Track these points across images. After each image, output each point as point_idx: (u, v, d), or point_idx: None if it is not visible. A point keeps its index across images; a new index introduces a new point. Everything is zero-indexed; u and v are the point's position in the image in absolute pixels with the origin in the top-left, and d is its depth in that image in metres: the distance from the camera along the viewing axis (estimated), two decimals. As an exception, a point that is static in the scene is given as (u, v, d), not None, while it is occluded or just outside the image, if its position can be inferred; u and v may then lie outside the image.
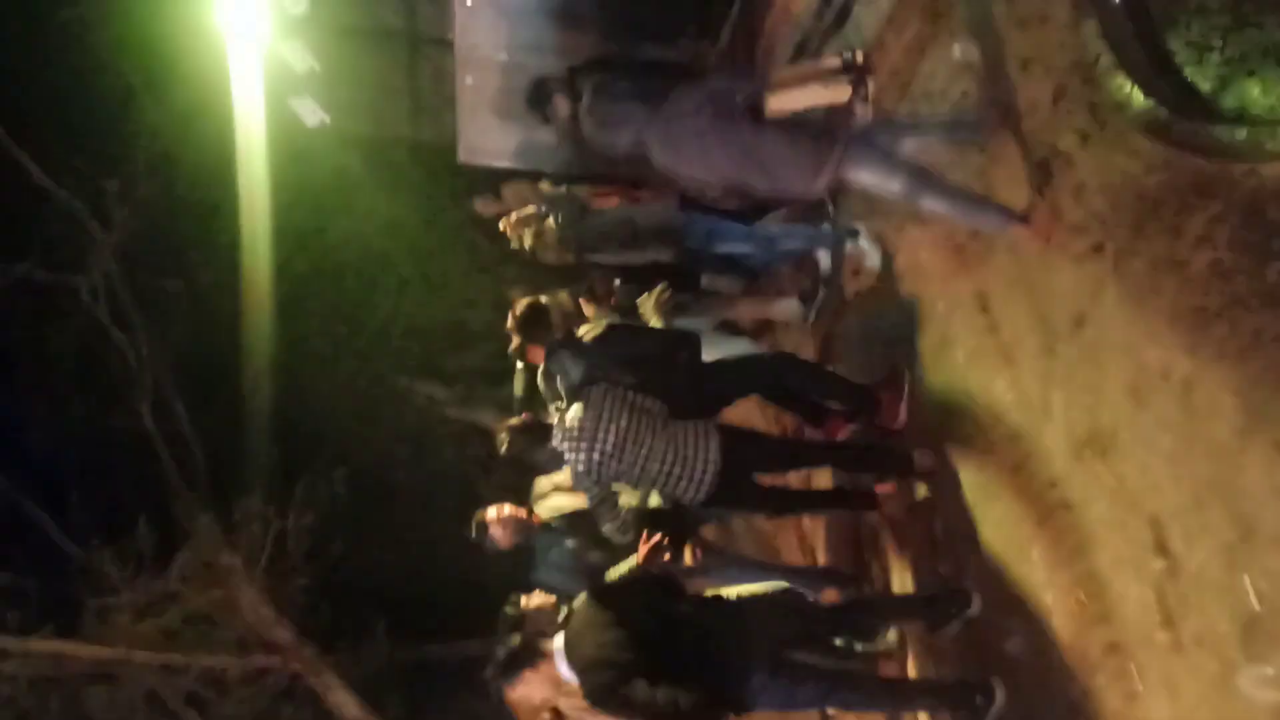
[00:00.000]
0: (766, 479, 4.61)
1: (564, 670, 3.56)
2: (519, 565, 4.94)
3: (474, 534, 4.65)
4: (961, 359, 4.09)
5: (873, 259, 4.88)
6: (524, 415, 4.80)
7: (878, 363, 4.86)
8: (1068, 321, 3.29)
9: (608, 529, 4.38)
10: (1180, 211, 2.82)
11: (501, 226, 5.76)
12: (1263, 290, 2.52)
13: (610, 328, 4.50)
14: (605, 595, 3.68)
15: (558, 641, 3.60)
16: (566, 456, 4.24)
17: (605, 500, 4.33)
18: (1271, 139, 2.52)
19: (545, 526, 4.83)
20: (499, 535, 4.59)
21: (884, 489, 4.58)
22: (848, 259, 5.16)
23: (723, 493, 4.20)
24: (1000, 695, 3.67)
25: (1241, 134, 2.60)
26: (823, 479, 5.40)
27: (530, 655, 3.61)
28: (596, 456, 4.10)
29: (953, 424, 4.22)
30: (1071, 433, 3.33)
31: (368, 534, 11.27)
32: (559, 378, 4.45)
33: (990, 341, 3.82)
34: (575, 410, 4.18)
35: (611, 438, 4.08)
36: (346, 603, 10.71)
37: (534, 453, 4.55)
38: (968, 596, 3.96)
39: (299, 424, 11.00)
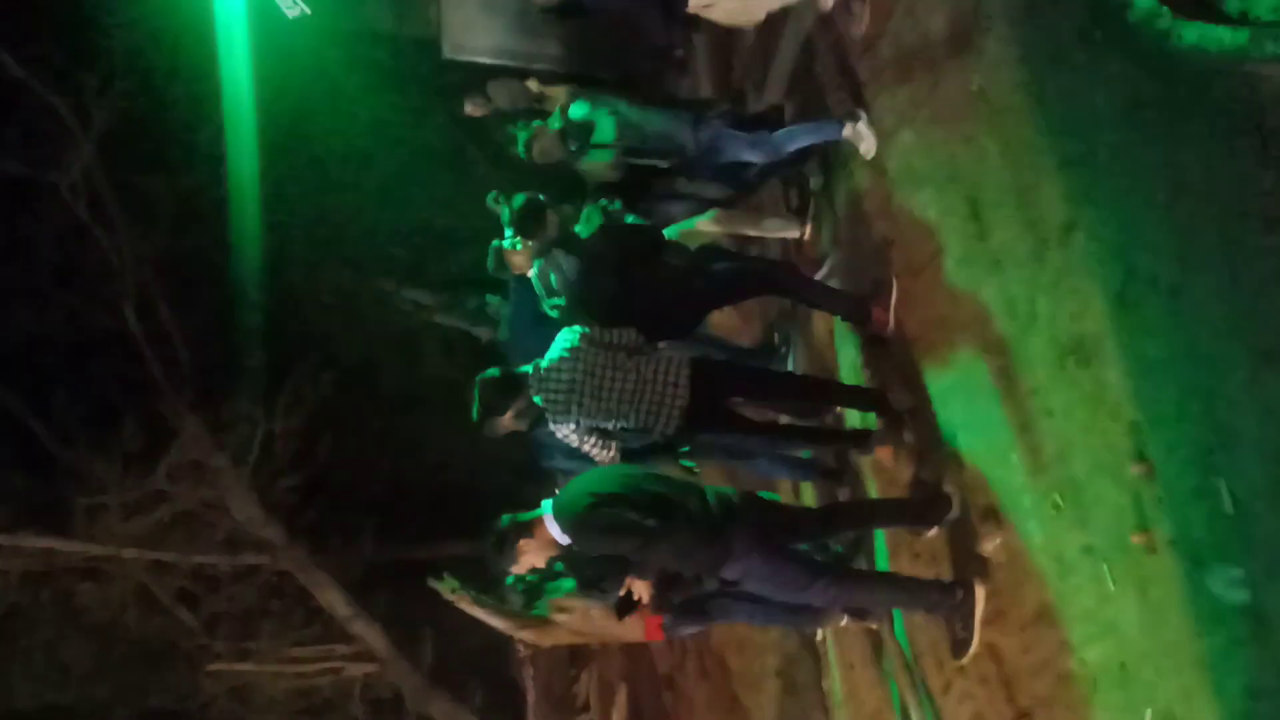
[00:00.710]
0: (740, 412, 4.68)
1: (555, 532, 3.72)
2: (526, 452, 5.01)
3: (476, 419, 4.68)
4: (951, 266, 4.07)
5: (869, 143, 4.81)
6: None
7: (867, 271, 4.86)
8: (1058, 228, 3.27)
9: (598, 455, 4.45)
10: (1176, 118, 2.78)
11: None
12: (1257, 197, 2.50)
13: (604, 227, 4.48)
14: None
15: (546, 506, 3.75)
16: (546, 412, 4.37)
17: (589, 436, 4.41)
18: (1274, 41, 2.47)
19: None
20: (500, 420, 4.63)
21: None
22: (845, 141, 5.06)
23: (694, 425, 4.31)
24: (981, 593, 3.76)
25: (1243, 36, 2.55)
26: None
27: (522, 527, 3.76)
28: (572, 414, 4.25)
29: (939, 331, 4.23)
30: (1056, 340, 3.34)
31: (355, 437, 11.35)
32: (554, 275, 4.45)
33: (979, 248, 3.81)
34: (548, 368, 4.28)
35: (587, 394, 4.22)
36: (335, 504, 10.84)
37: (507, 404, 4.54)
38: (948, 501, 4.02)
39: (284, 327, 10.97)
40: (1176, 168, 2.72)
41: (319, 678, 9.63)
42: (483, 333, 8.39)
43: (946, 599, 3.88)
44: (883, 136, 4.73)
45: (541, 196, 4.85)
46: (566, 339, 4.35)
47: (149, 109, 9.77)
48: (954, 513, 4.01)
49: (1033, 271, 3.46)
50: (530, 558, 3.85)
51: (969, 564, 3.99)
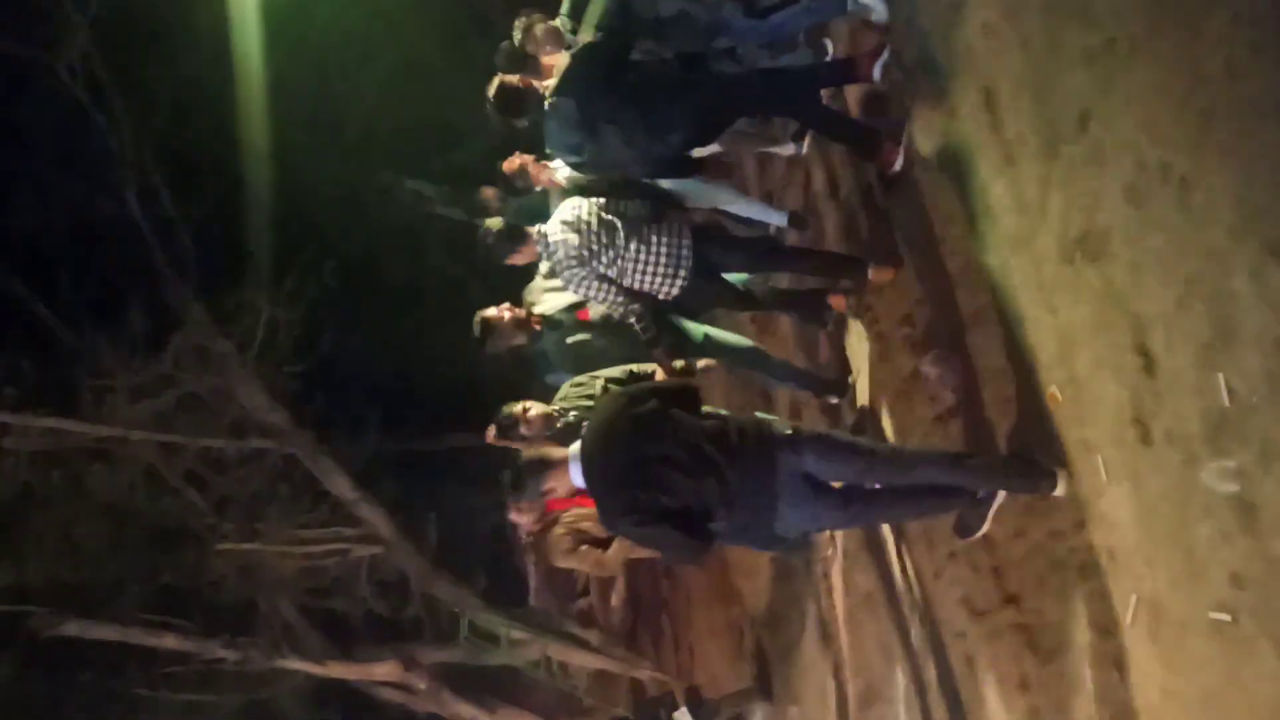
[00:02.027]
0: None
1: (577, 479, 3.55)
2: (520, 370, 5.06)
3: (477, 334, 4.70)
4: (962, 160, 4.04)
5: (879, 12, 4.71)
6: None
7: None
8: (1073, 121, 3.23)
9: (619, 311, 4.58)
10: (1199, 10, 2.72)
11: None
12: (1275, 92, 2.47)
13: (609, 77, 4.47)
14: (623, 410, 3.54)
15: (573, 449, 3.57)
16: (560, 274, 4.51)
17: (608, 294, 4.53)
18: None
19: (548, 323, 4.89)
20: (502, 329, 4.65)
21: (836, 301, 4.98)
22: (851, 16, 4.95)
23: (697, 289, 4.50)
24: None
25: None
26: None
27: (542, 465, 3.62)
28: (584, 275, 4.41)
29: (946, 226, 4.23)
30: (1065, 235, 3.34)
31: (359, 328, 11.41)
32: (560, 127, 4.49)
33: (993, 140, 3.77)
34: (558, 232, 4.38)
35: (601, 260, 4.39)
36: (340, 393, 10.96)
37: (511, 250, 4.59)
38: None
39: (286, 217, 10.92)
40: (1196, 60, 2.68)
41: (326, 559, 9.85)
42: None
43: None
44: (900, 27, 4.64)
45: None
46: (572, 207, 4.44)
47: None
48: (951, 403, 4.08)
49: (1045, 166, 3.44)
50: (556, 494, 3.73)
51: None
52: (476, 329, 4.73)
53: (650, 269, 4.45)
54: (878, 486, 3.69)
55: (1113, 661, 3.22)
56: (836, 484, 3.62)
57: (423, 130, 11.32)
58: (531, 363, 5.33)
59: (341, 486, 9.67)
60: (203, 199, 10.03)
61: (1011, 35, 3.63)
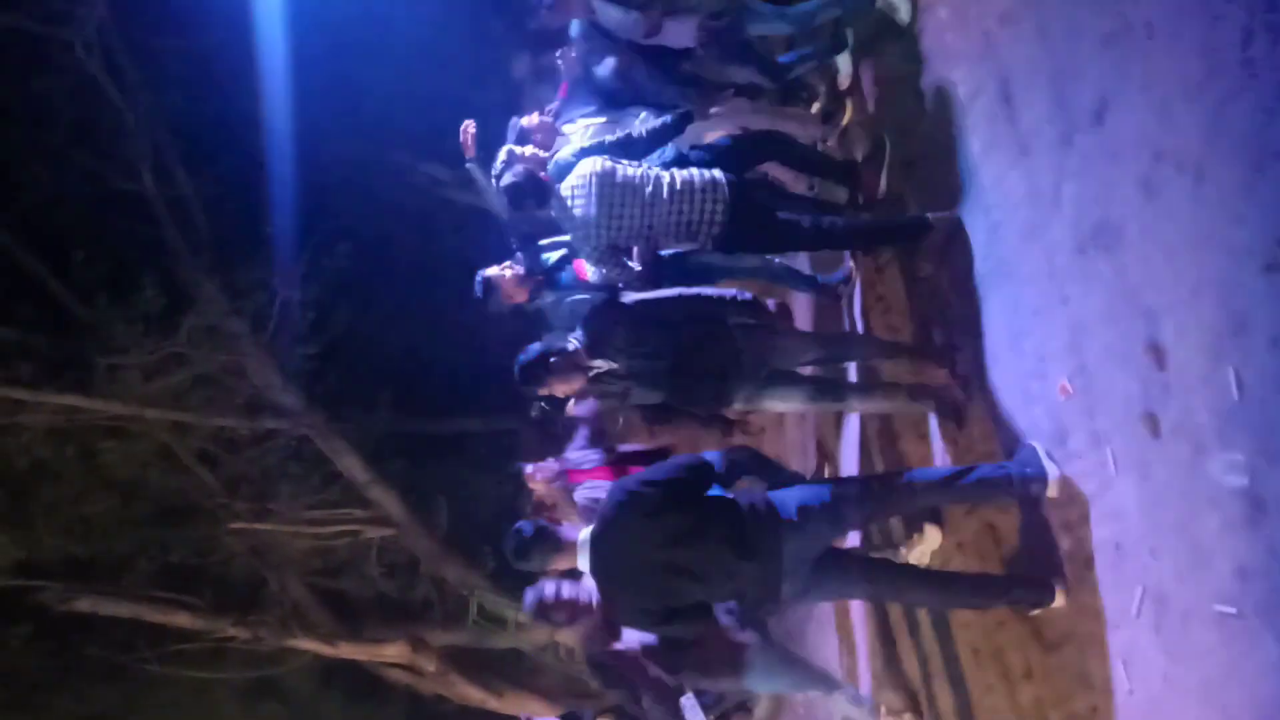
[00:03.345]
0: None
1: (584, 567, 3.60)
2: (527, 328, 5.04)
3: (479, 293, 4.70)
4: (977, 149, 4.03)
5: (904, 11, 4.69)
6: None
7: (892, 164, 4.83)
8: (1089, 110, 3.22)
9: (608, 275, 4.41)
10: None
11: None
12: (1293, 79, 2.45)
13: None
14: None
15: (583, 536, 3.60)
16: (570, 234, 4.35)
17: (603, 261, 4.34)
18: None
19: (547, 282, 4.85)
20: (506, 289, 4.64)
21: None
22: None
23: (738, 229, 4.24)
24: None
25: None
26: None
27: (554, 543, 3.66)
28: (594, 244, 4.21)
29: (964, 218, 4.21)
30: (1079, 226, 3.33)
31: (371, 309, 11.43)
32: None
33: (1008, 131, 3.75)
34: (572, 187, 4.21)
35: (614, 227, 4.18)
36: (352, 374, 10.99)
37: (533, 205, 4.45)
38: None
39: (300, 197, 10.93)
40: (1214, 48, 2.65)
41: (336, 539, 9.92)
42: (499, 209, 8.29)
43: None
44: (921, 11, 4.61)
45: None
46: (591, 163, 4.24)
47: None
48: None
49: (1060, 156, 3.42)
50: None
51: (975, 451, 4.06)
52: (478, 288, 4.72)
53: (676, 224, 4.22)
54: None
55: (1118, 653, 3.22)
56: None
57: (438, 111, 11.29)
58: (535, 323, 5.30)
59: (353, 467, 9.73)
60: (217, 177, 10.07)
61: (1029, 23, 3.61)
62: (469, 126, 5.25)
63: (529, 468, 5.26)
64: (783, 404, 4.37)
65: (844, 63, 5.36)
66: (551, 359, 3.93)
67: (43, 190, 9.92)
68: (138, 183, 9.44)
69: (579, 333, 4.02)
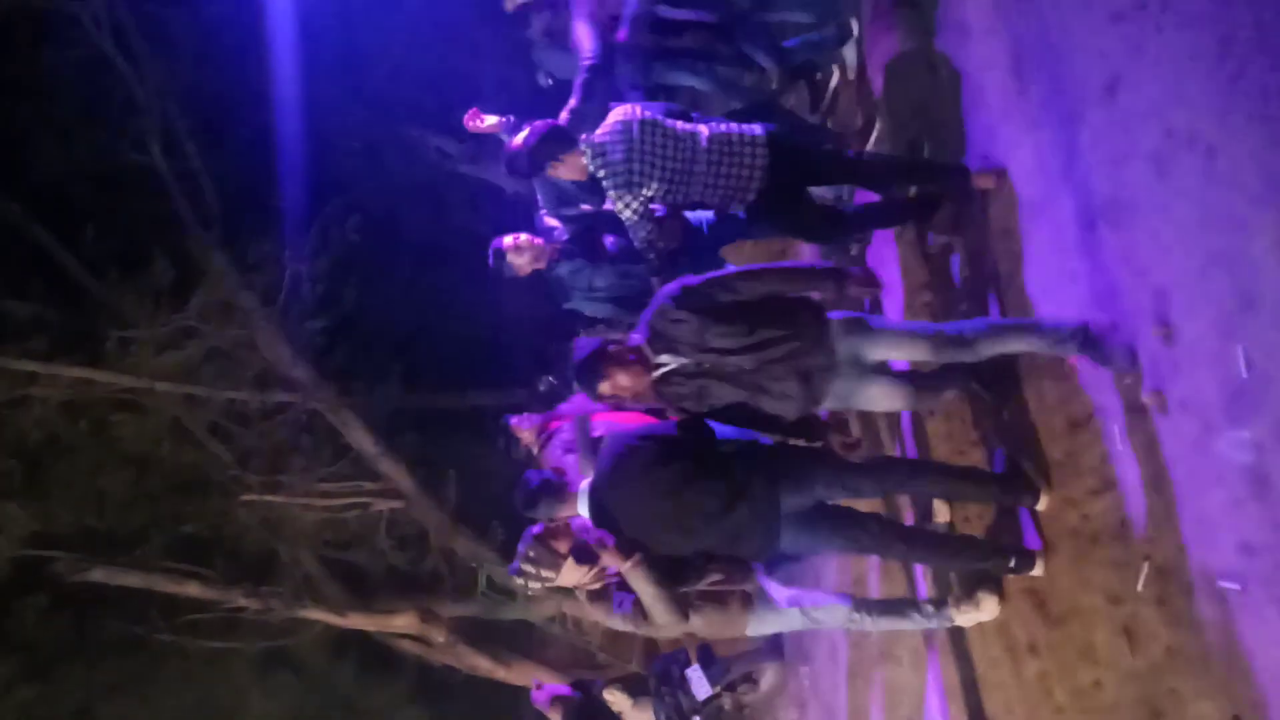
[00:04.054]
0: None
1: (584, 512, 3.70)
2: (540, 298, 5.04)
3: (491, 262, 4.70)
4: (988, 123, 4.01)
5: None
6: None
7: (898, 135, 4.79)
8: (1100, 86, 3.20)
9: (642, 235, 4.35)
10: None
11: None
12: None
13: None
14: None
15: (583, 486, 3.71)
16: (604, 184, 4.19)
17: (643, 216, 4.25)
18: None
19: (564, 253, 4.85)
20: (517, 262, 4.64)
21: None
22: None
23: (773, 197, 4.14)
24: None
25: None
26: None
27: (560, 494, 3.76)
28: (628, 198, 4.10)
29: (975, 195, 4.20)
30: (1089, 201, 3.32)
31: (381, 283, 11.44)
32: None
33: (1019, 106, 3.74)
34: (607, 140, 4.09)
35: (653, 169, 4.06)
36: (362, 348, 11.02)
37: (556, 153, 4.30)
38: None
39: (309, 171, 10.92)
40: (1228, 23, 2.64)
41: (347, 512, 9.98)
42: (508, 184, 8.30)
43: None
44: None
45: None
46: (624, 114, 4.12)
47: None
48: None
49: (1071, 131, 3.40)
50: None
51: (985, 435, 4.07)
52: (491, 257, 4.72)
53: (719, 182, 4.11)
54: None
55: (1121, 626, 3.24)
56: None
57: (448, 84, 11.24)
58: (551, 291, 5.30)
59: (363, 441, 9.77)
60: (227, 151, 10.06)
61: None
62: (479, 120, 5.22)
63: (514, 419, 5.28)
64: (885, 400, 3.80)
65: (849, 53, 5.33)
66: (610, 346, 3.55)
67: (53, 165, 9.92)
68: (148, 157, 9.43)
69: (641, 327, 3.59)
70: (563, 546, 3.79)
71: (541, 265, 4.72)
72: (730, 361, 3.49)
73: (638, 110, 4.12)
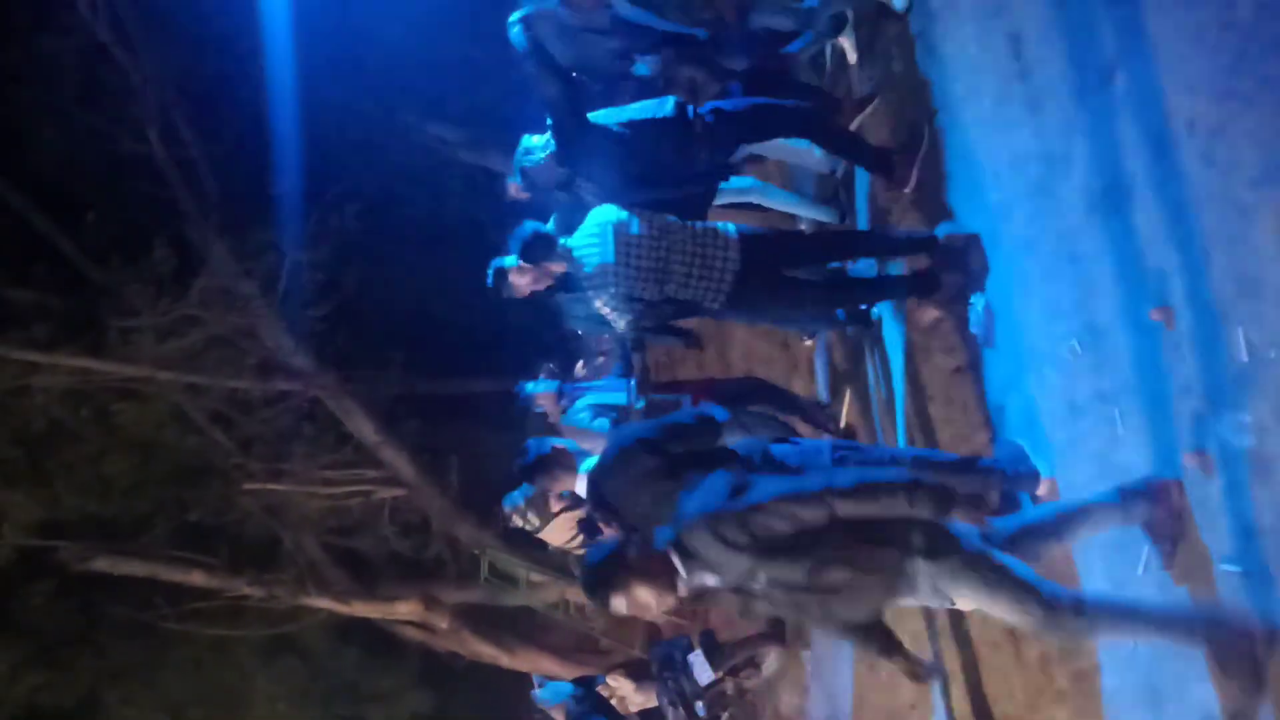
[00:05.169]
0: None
1: (582, 492, 3.73)
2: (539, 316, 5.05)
3: (491, 281, 4.70)
4: (988, 106, 3.99)
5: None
6: None
7: (904, 116, 4.77)
8: (1100, 68, 3.19)
9: (622, 325, 4.46)
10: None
11: None
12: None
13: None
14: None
15: (586, 468, 3.75)
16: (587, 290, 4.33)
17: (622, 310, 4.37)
18: None
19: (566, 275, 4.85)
20: (518, 283, 4.63)
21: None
22: None
23: (747, 292, 4.25)
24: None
25: None
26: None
27: (565, 463, 3.81)
28: (609, 288, 4.18)
29: (973, 171, 4.19)
30: (1089, 185, 3.31)
31: (380, 270, 11.45)
32: None
33: (1019, 89, 3.72)
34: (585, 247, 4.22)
35: (626, 272, 4.16)
36: (363, 335, 11.03)
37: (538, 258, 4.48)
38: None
39: (308, 158, 10.90)
40: (1228, 5, 2.62)
41: (350, 499, 10.01)
42: (507, 169, 8.25)
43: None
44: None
45: None
46: (600, 218, 4.26)
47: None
48: None
49: (1071, 114, 3.39)
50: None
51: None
52: (491, 276, 4.72)
53: (691, 280, 4.24)
54: None
55: (1122, 610, 3.24)
56: None
57: (446, 71, 11.22)
58: (550, 311, 5.33)
59: (364, 428, 9.80)
60: (226, 138, 10.04)
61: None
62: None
63: (529, 386, 5.30)
64: None
65: (848, 42, 5.30)
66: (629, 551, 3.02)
67: (53, 152, 9.92)
68: (146, 144, 9.42)
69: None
70: (558, 506, 3.84)
71: (541, 287, 4.71)
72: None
73: (613, 213, 4.24)
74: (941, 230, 4.27)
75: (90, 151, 9.94)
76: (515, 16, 4.67)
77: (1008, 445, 3.69)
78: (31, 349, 8.66)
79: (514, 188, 5.16)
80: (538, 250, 4.37)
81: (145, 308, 9.10)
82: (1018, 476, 3.55)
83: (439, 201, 12.13)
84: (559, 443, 3.98)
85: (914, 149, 4.50)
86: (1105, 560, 3.35)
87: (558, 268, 4.39)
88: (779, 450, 3.30)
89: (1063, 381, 3.54)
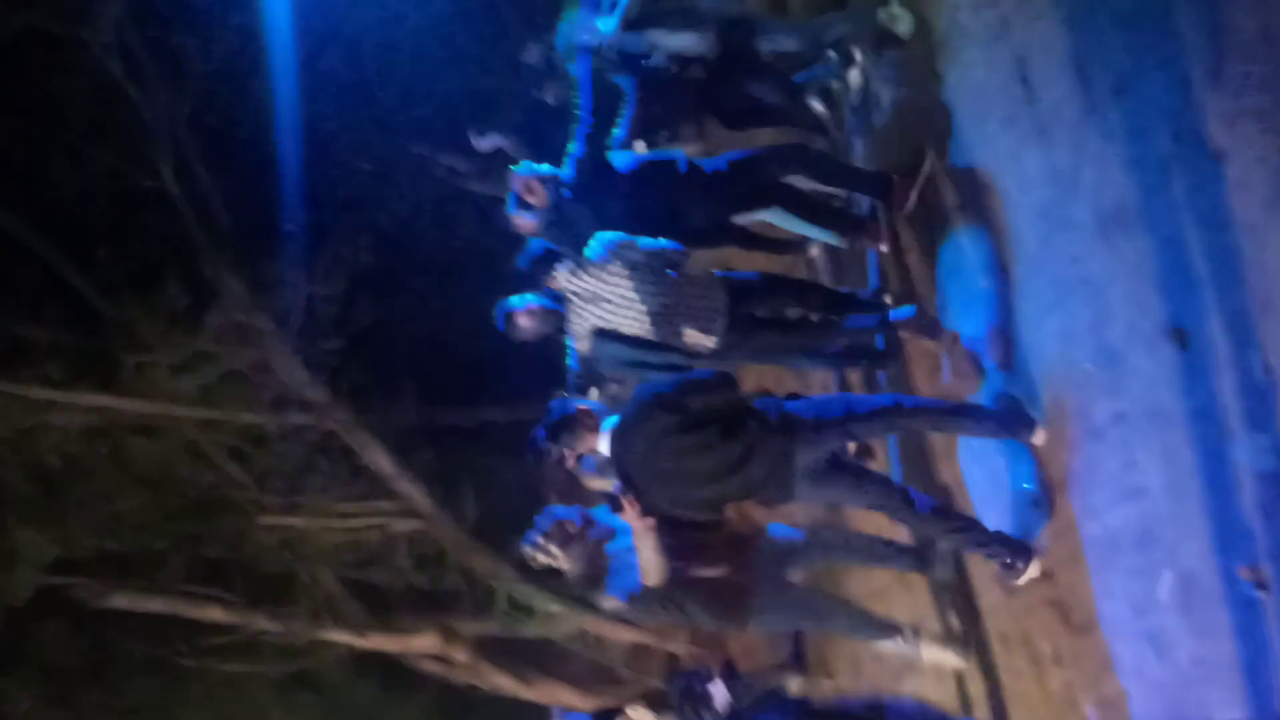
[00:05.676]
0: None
1: (604, 450, 3.76)
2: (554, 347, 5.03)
3: (500, 325, 4.70)
4: (995, 130, 3.98)
5: (904, 24, 4.67)
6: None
7: (907, 141, 4.77)
8: (1107, 90, 3.17)
9: (614, 390, 4.49)
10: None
11: None
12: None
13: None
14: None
15: (607, 427, 3.78)
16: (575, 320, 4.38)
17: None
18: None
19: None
20: (526, 326, 4.64)
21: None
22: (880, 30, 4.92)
23: (737, 343, 4.31)
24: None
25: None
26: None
27: (588, 424, 3.81)
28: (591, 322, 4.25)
29: (982, 194, 4.17)
30: (1099, 207, 3.29)
31: (394, 302, 11.47)
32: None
33: (1026, 112, 3.71)
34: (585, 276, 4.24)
35: (614, 309, 4.20)
36: (377, 367, 11.04)
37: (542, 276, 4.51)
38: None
39: (320, 191, 10.97)
40: (1232, 30, 2.61)
41: (366, 532, 9.98)
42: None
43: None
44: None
45: None
46: (601, 244, 4.27)
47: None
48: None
49: (1079, 136, 3.37)
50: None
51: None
52: (500, 320, 4.71)
53: (678, 328, 4.26)
54: None
55: (1147, 636, 3.19)
56: None
57: (455, 102, 11.30)
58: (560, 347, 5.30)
59: (380, 460, 9.78)
60: (238, 173, 10.10)
61: (1045, 2, 3.56)
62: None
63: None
64: None
65: (854, 78, 5.30)
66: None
67: (66, 188, 9.99)
68: (159, 180, 9.49)
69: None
70: (575, 533, 3.89)
71: (550, 330, 4.71)
72: None
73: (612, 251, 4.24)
74: (893, 315, 4.53)
75: (103, 188, 10.01)
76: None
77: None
78: (46, 387, 8.69)
79: (519, 219, 5.16)
80: (546, 264, 4.39)
81: (159, 343, 9.13)
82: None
83: (450, 231, 12.16)
84: (583, 403, 4.00)
85: (914, 172, 4.51)
86: (1124, 584, 3.30)
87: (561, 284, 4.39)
88: (793, 405, 3.68)
89: (1080, 404, 3.50)
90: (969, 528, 3.85)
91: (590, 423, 3.82)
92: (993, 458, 4.04)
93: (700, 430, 3.62)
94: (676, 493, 3.75)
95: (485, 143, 6.28)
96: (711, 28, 4.89)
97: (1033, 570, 3.69)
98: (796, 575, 4.43)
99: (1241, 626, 2.77)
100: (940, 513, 3.90)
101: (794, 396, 3.92)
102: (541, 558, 4.00)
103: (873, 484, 3.84)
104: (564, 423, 3.84)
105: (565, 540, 3.97)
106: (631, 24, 4.90)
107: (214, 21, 9.96)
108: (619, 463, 3.76)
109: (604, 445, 3.77)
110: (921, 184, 4.49)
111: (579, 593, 5.10)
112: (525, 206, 4.80)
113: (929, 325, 4.49)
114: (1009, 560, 3.73)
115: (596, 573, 4.06)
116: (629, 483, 3.73)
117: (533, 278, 4.46)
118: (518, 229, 5.01)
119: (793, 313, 4.62)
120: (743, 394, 3.87)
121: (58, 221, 9.86)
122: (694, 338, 4.26)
